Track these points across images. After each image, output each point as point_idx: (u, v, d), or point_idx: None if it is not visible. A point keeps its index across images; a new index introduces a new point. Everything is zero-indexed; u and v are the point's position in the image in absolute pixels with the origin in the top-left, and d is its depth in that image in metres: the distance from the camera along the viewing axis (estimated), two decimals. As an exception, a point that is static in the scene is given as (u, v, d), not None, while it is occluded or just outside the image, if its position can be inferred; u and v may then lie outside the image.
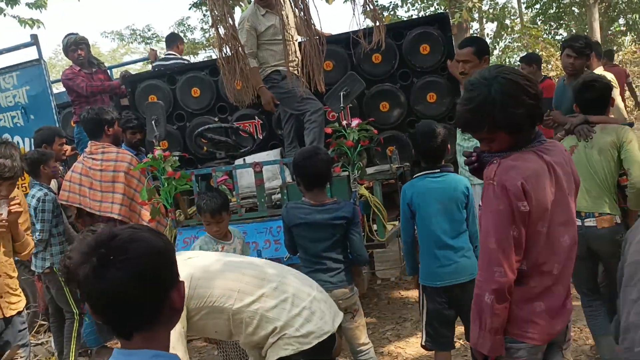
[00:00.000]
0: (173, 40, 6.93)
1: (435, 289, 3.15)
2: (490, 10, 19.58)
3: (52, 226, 4.41)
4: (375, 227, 4.10)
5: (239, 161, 4.69)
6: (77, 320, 4.53)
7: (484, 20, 19.65)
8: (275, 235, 3.97)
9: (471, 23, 17.17)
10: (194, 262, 2.55)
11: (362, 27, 4.62)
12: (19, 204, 3.59)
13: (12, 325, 3.67)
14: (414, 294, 5.25)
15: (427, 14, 16.77)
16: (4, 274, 3.62)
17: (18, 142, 5.63)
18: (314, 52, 4.65)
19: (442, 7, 16.55)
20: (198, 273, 2.47)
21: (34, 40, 5.52)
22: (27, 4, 16.03)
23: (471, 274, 3.00)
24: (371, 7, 4.65)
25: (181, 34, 20.24)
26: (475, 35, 19.78)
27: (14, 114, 5.64)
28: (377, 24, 4.63)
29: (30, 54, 5.65)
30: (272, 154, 5.05)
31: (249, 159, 4.85)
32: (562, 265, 1.97)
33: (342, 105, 4.22)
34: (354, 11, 4.67)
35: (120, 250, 1.26)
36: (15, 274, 3.77)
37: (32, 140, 5.02)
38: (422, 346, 3.32)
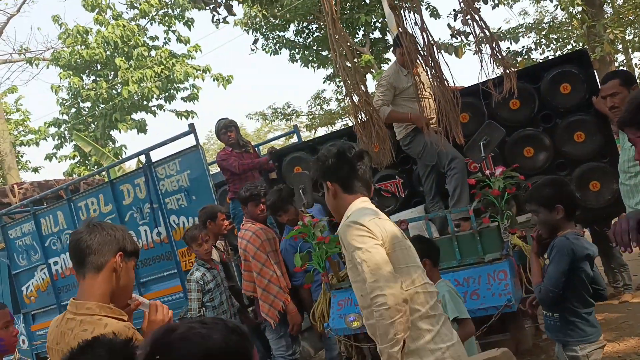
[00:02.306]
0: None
1: None
2: (636, 40, 18.33)
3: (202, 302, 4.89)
4: (533, 277, 3.89)
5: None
6: None
7: (629, 50, 18.39)
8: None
9: (615, 55, 16.17)
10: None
11: (493, 77, 4.61)
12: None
13: None
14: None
15: (563, 53, 16.11)
16: None
17: (183, 222, 6.20)
18: (449, 106, 4.69)
19: (581, 44, 15.84)
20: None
21: (192, 129, 6.13)
22: (182, 98, 18.04)
23: None
24: (500, 55, 4.64)
25: (318, 107, 21.35)
26: (621, 67, 18.56)
27: (178, 197, 6.23)
28: (507, 71, 4.60)
29: (187, 142, 6.27)
30: (416, 211, 5.06)
31: (394, 217, 4.90)
32: None
33: (483, 155, 4.17)
34: (481, 63, 4.69)
35: (166, 349, 1.16)
36: None
37: (197, 218, 5.49)
38: None
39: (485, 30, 4.75)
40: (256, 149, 7.14)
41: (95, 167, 16.29)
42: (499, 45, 4.72)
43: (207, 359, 1.13)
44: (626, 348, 4.64)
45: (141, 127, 17.61)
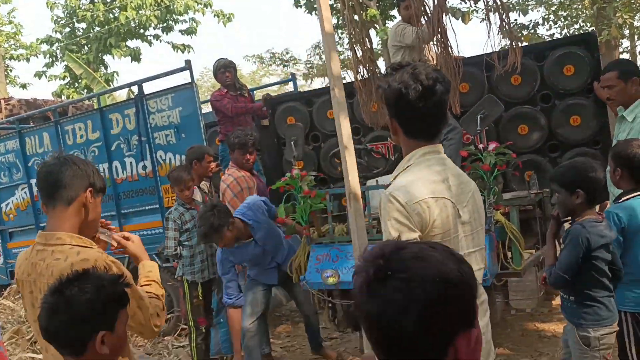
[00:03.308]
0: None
1: None
2: (644, 26, 18.13)
3: (177, 242, 4.95)
4: (510, 254, 3.95)
5: (371, 182, 4.75)
6: (193, 332, 4.87)
7: (636, 37, 18.21)
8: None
9: (621, 40, 16.03)
10: None
11: (498, 49, 4.55)
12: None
13: None
14: (550, 327, 4.97)
15: (571, 33, 15.92)
16: None
17: (170, 159, 6.16)
18: (449, 74, 4.63)
19: (589, 25, 15.63)
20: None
21: (188, 66, 6.01)
22: (180, 31, 17.63)
23: None
24: (508, 27, 4.56)
25: (317, 57, 20.98)
26: (624, 53, 18.42)
27: (167, 133, 6.16)
28: (514, 45, 4.53)
29: (182, 77, 6.16)
30: (405, 176, 5.06)
31: (382, 180, 4.91)
32: None
33: (479, 128, 4.16)
34: (488, 33, 4.61)
35: (400, 266, 1.03)
36: None
37: (185, 157, 5.46)
38: None
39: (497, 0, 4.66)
40: (251, 93, 7.04)
41: (85, 91, 16.00)
42: (508, 16, 4.63)
43: (443, 284, 1.01)
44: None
45: (135, 56, 17.23)
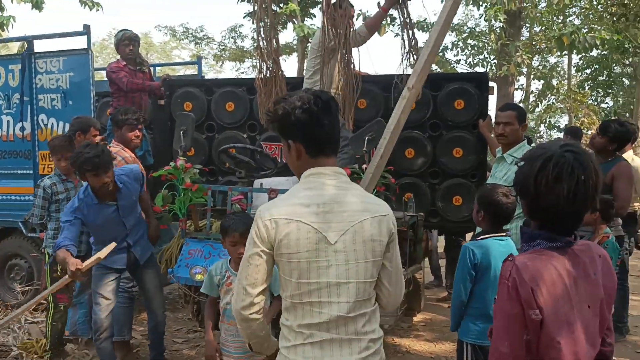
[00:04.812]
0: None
1: (484, 348, 3.13)
2: (540, 68, 19.51)
3: (45, 212, 4.73)
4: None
5: (257, 183, 4.76)
6: (51, 309, 4.67)
7: (532, 76, 19.56)
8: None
9: (518, 77, 17.11)
10: None
11: (402, 72, 4.74)
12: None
13: None
14: (406, 342, 5.22)
15: (475, 62, 16.80)
16: None
17: (52, 124, 5.82)
18: (348, 90, 4.73)
19: (492, 57, 16.55)
20: None
21: (87, 31, 5.71)
22: (90, -15, 16.63)
23: None
24: (414, 56, 4.75)
25: (231, 40, 20.65)
26: (519, 90, 19.72)
27: (54, 97, 5.81)
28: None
29: (80, 42, 5.83)
30: (292, 180, 5.09)
31: (268, 181, 4.92)
32: None
33: (364, 149, 4.28)
34: (402, 58, 4.77)
35: None
36: None
37: (69, 125, 5.18)
38: None
39: (407, 19, 4.83)
40: (152, 70, 6.80)
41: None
42: (415, 38, 4.81)
43: None
44: (440, 350, 5.08)
45: (37, 4, 16.06)
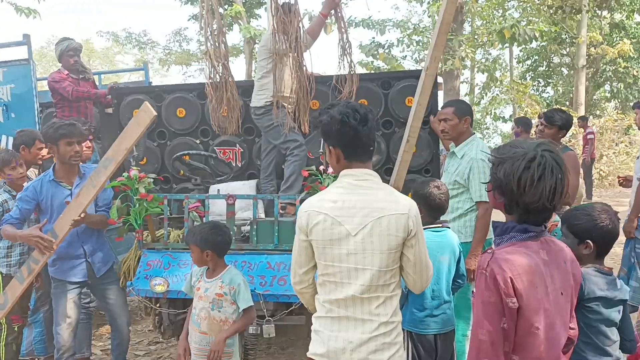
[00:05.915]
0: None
1: (421, 336, 3.24)
2: (483, 61, 20.00)
3: None
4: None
5: (213, 189, 4.71)
6: (4, 331, 4.48)
7: (475, 69, 20.04)
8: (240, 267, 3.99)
9: (462, 71, 17.51)
10: None
11: (351, 72, 4.82)
12: None
13: None
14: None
15: (421, 57, 17.08)
16: None
17: (-5, 138, 5.61)
18: (302, 92, 4.74)
19: (436, 52, 16.83)
20: None
21: (26, 40, 5.52)
22: (26, -7, 16.04)
23: (452, 325, 3.29)
24: (349, 59, 4.85)
25: (177, 44, 20.35)
26: (464, 83, 20.17)
27: (-5, 110, 5.61)
28: (352, 74, 4.86)
29: (20, 52, 5.65)
30: (248, 185, 5.08)
31: (225, 186, 4.88)
32: None
33: (321, 150, 4.29)
34: (340, 58, 4.88)
35: None
36: None
37: (13, 139, 4.99)
38: None
39: (342, 22, 4.91)
40: (95, 79, 6.62)
41: None
42: (349, 41, 4.90)
43: None
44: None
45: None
